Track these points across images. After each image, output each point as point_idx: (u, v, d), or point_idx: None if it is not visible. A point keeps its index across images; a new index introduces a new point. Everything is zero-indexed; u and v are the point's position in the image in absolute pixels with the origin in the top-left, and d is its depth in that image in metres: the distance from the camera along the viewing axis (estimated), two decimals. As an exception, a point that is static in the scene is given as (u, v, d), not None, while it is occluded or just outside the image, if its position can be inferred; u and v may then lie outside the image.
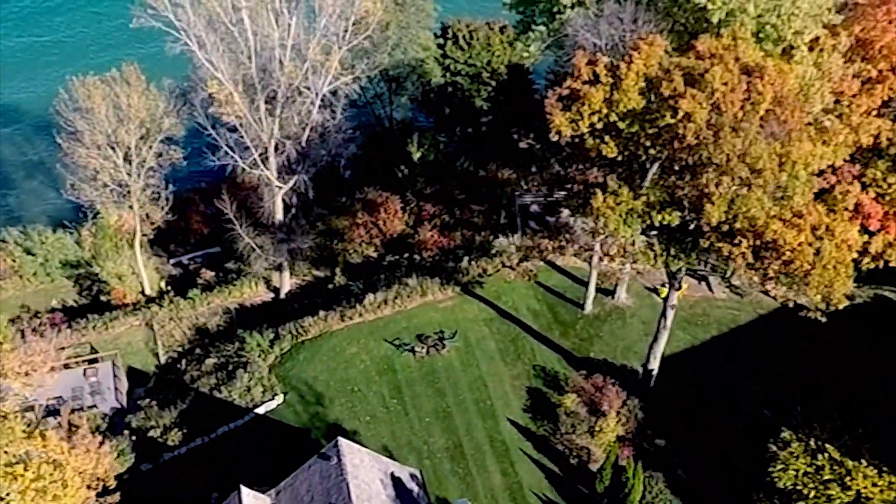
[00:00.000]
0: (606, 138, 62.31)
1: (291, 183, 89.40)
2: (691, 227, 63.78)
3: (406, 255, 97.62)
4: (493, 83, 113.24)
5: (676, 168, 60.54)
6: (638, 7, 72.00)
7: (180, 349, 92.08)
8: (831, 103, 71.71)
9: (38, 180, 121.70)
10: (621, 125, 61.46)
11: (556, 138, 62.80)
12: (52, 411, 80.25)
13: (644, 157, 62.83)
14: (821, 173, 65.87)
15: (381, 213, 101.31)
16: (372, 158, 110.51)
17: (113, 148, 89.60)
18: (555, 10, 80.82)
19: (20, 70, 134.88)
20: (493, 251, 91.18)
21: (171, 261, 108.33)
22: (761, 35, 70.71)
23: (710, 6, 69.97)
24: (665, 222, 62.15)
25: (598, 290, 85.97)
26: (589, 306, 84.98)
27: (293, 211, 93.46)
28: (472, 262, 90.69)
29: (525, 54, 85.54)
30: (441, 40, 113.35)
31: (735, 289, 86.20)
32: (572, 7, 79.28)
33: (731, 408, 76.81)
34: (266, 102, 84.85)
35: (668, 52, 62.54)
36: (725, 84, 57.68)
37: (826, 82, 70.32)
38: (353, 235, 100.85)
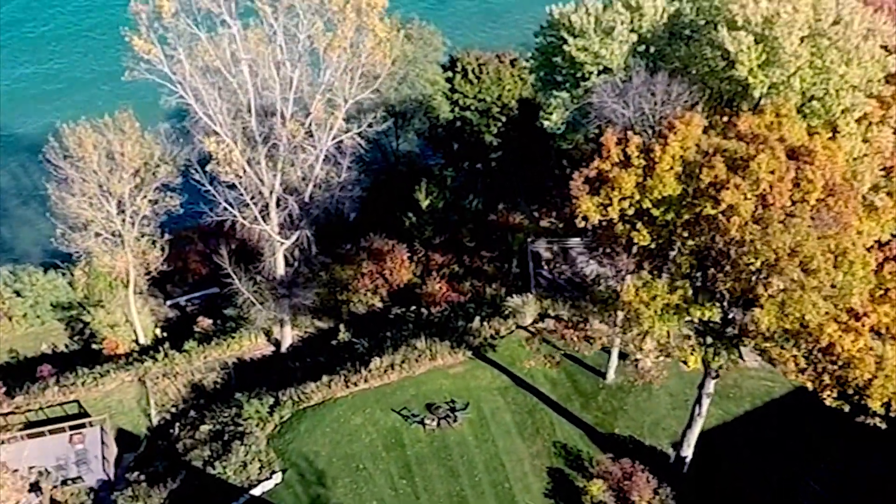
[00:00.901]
0: (639, 225, 56.29)
1: (294, 239, 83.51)
2: (731, 315, 57.68)
3: (413, 307, 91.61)
4: (504, 118, 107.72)
5: (716, 256, 54.22)
6: (671, 78, 65.69)
7: (174, 409, 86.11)
8: (881, 179, 65.64)
9: (32, 210, 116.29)
10: (655, 212, 55.47)
11: (582, 224, 56.66)
12: (33, 486, 74.02)
13: (681, 246, 56.60)
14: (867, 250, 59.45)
15: (387, 263, 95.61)
16: (377, 198, 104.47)
17: (105, 198, 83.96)
18: (578, 75, 74.48)
19: (17, 99, 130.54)
20: (507, 312, 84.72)
21: (168, 302, 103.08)
22: (806, 110, 64.62)
23: (751, 80, 63.90)
24: (705, 318, 55.96)
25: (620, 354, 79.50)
26: (611, 375, 78.35)
27: (295, 264, 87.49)
28: (484, 323, 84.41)
29: (546, 122, 78.93)
30: (449, 74, 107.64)
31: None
32: (598, 74, 72.95)
33: (771, 496, 70.33)
34: (267, 156, 78.85)
35: (706, 129, 56.17)
36: (772, 173, 51.52)
37: (875, 157, 64.27)
38: (357, 286, 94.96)
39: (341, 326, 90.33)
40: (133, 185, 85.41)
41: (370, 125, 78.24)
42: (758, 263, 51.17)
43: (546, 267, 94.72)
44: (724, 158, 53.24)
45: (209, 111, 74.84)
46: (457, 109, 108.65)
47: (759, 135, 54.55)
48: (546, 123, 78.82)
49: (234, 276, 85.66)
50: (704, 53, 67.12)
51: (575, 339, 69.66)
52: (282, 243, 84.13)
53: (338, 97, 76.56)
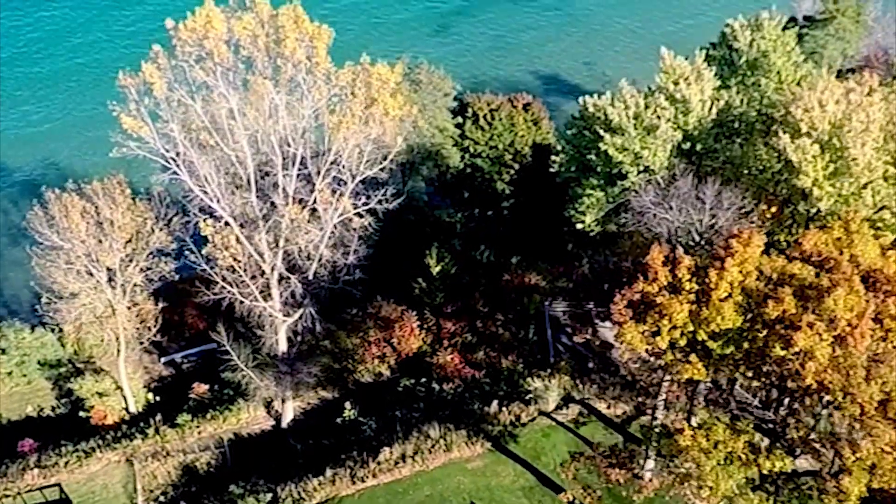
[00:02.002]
0: (692, 357, 48.74)
1: (296, 317, 76.49)
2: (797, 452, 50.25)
3: (424, 380, 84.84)
4: (517, 165, 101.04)
5: (786, 399, 46.79)
6: (721, 181, 57.92)
7: (163, 497, 78.76)
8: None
9: (23, 251, 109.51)
10: (712, 345, 47.94)
11: (627, 356, 49.19)
12: None
13: (743, 382, 49.17)
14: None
15: (395, 331, 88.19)
16: (384, 253, 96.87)
17: (94, 267, 77.87)
18: (615, 172, 66.67)
19: (15, 136, 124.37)
20: (528, 396, 77.40)
21: (163, 359, 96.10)
22: (876, 219, 57.12)
23: (816, 192, 56.26)
24: (776, 469, 48.40)
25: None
26: (648, 476, 70.00)
27: (299, 338, 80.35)
28: (503, 408, 77.28)
29: (579, 224, 71.06)
30: (459, 119, 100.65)
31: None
32: (638, 172, 65.09)
33: None
34: (268, 231, 71.98)
35: (767, 247, 48.75)
36: (850, 309, 44.12)
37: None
38: (364, 355, 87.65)
39: (347, 404, 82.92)
40: (124, 255, 78.65)
41: (380, 202, 70.95)
42: (842, 416, 43.89)
43: (565, 334, 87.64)
44: (793, 288, 45.83)
45: (206, 188, 67.71)
46: (467, 156, 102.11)
47: (828, 257, 47.10)
48: (579, 225, 71.15)
49: (233, 352, 78.86)
50: (759, 153, 59.52)
51: (620, 479, 61.68)
52: (284, 320, 76.94)
53: (344, 173, 69.32)
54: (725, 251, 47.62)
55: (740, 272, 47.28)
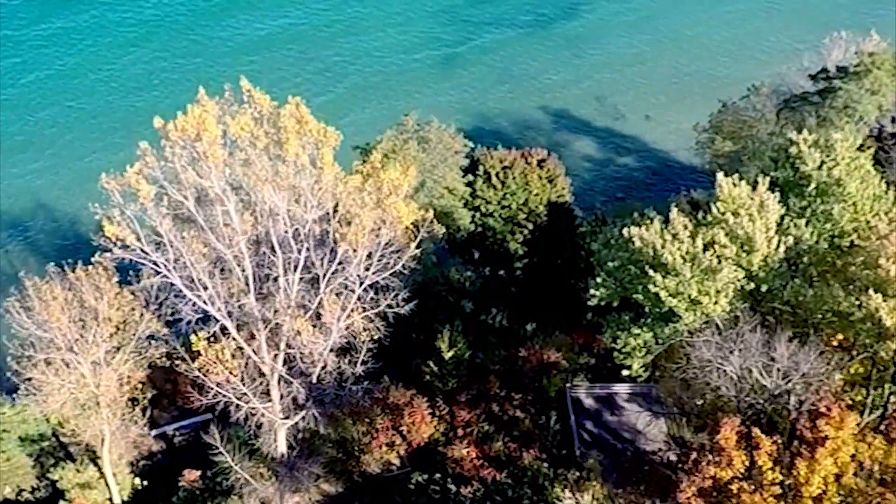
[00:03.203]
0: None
1: (298, 418, 69.19)
2: None
3: (438, 476, 76.91)
4: (531, 225, 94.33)
5: None
6: (792, 334, 49.37)
7: None
8: None
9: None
10: (805, 549, 39.61)
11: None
12: None
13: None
14: None
15: (404, 418, 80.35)
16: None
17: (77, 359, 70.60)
18: (665, 310, 57.61)
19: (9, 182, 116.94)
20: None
21: (153, 432, 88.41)
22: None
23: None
24: None
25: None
26: None
27: (300, 435, 72.83)
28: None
29: (625, 371, 62.74)
30: (470, 177, 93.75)
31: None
32: (693, 315, 55.88)
33: None
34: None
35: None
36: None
37: None
38: (371, 447, 79.90)
39: (354, 512, 75.38)
40: (110, 346, 71.54)
41: (390, 306, 63.13)
42: None
43: (589, 418, 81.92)
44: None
45: (201, 294, 60.00)
46: (478, 216, 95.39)
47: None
48: (625, 371, 62.84)
49: (227, 455, 71.62)
50: (837, 298, 50.89)
51: None
52: (283, 423, 69.40)
53: (350, 278, 61.57)
54: (813, 433, 39.27)
55: (835, 462, 38.98)
